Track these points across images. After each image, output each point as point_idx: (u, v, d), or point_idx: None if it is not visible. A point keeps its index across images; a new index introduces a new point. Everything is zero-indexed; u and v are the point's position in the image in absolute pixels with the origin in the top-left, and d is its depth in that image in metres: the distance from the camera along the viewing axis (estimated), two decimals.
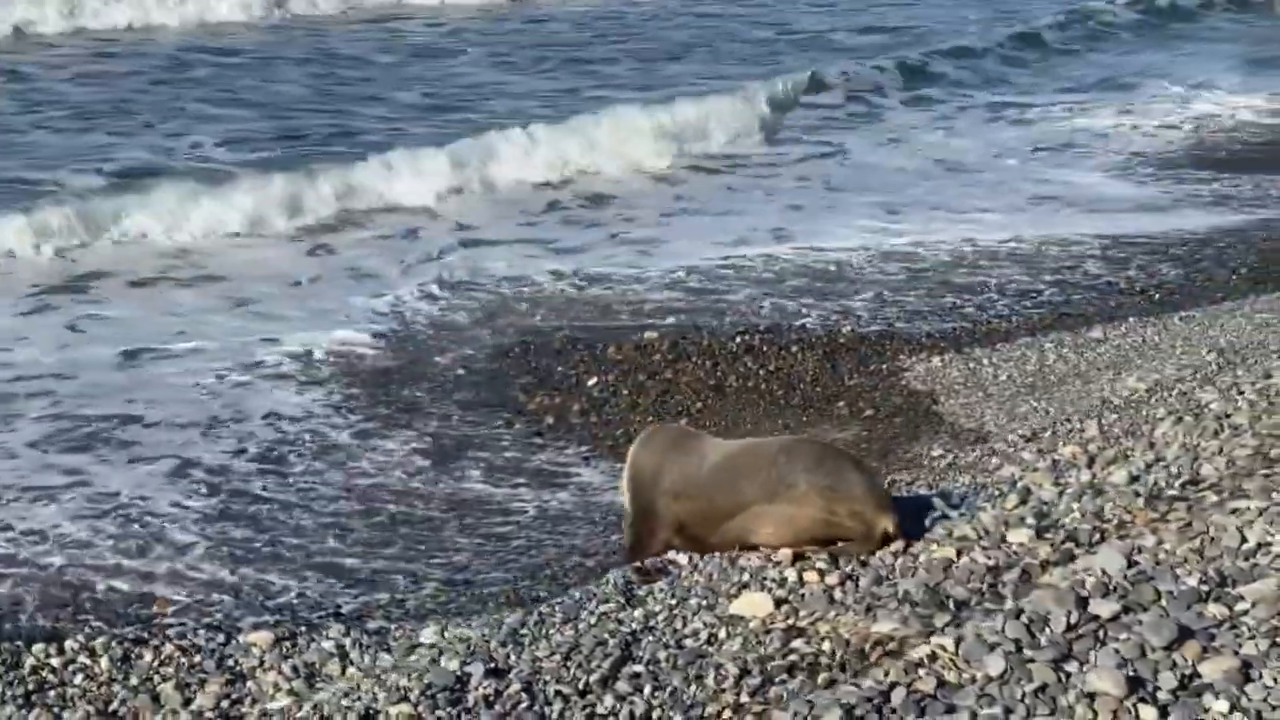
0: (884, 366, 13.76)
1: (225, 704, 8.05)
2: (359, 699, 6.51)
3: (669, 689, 5.89)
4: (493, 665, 6.33)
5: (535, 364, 14.82)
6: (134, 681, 8.51)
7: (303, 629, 9.31)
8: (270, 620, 10.00)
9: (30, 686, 8.53)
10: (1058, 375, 12.68)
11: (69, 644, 9.08)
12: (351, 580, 10.53)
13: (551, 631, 6.74)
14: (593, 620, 6.77)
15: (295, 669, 8.38)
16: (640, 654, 6.25)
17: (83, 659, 8.88)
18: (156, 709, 8.07)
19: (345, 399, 13.88)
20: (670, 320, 15.95)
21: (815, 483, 7.43)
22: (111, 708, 8.16)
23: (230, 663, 8.69)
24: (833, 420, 12.58)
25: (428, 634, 8.65)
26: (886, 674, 5.23)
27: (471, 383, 14.39)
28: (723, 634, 6.35)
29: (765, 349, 14.48)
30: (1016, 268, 17.55)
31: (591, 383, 13.94)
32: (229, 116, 25.63)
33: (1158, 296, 15.73)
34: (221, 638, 9.15)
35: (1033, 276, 17.00)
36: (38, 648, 9.03)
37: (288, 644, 8.97)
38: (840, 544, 7.35)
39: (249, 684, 8.34)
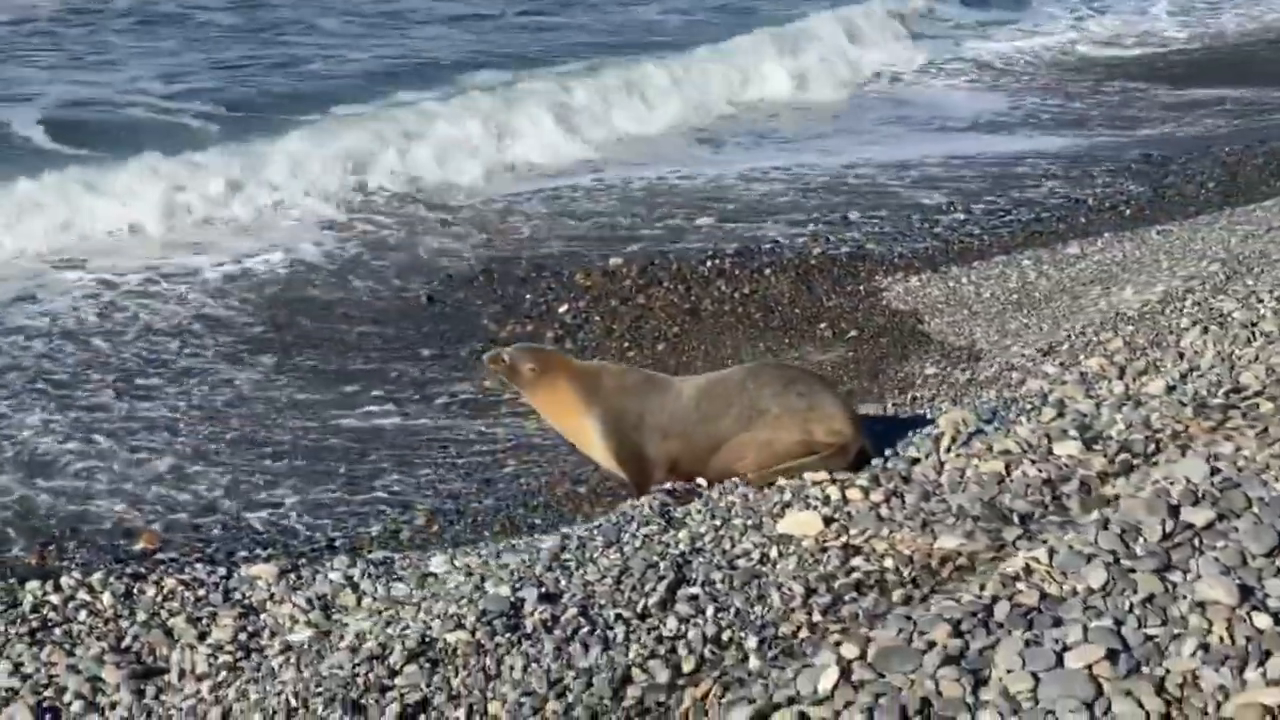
0: (861, 287, 13.65)
1: (243, 636, 7.88)
2: (407, 627, 6.34)
3: (732, 609, 5.76)
4: (544, 590, 6.18)
5: (502, 292, 14.64)
6: (141, 616, 8.31)
7: (303, 561, 9.15)
8: (263, 553, 9.82)
9: (34, 624, 8.32)
10: (1042, 292, 12.62)
11: (65, 581, 8.87)
12: (338, 513, 10.33)
13: (596, 555, 6.59)
14: (636, 543, 6.62)
15: (309, 601, 8.22)
16: (693, 575, 6.11)
17: (83, 595, 8.67)
18: (171, 643, 7.88)
19: (300, 325, 13.73)
20: (633, 247, 15.78)
21: (788, 405, 7.42)
22: (124, 643, 7.96)
23: (237, 596, 8.51)
24: (815, 342, 12.48)
25: (436, 563, 8.51)
26: (983, 587, 5.13)
27: (439, 313, 14.20)
28: (774, 553, 6.22)
29: (737, 272, 14.33)
30: (972, 186, 17.51)
31: (563, 310, 13.78)
32: (162, 50, 25.00)
33: (1128, 213, 15.70)
34: (222, 571, 8.97)
35: (999, 194, 16.92)
36: (32, 585, 8.82)
37: (293, 576, 8.81)
38: (814, 457, 7.31)
39: (264, 616, 8.17)
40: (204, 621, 8.13)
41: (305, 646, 7.12)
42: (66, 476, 10.91)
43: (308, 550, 9.80)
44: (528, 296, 14.33)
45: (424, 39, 26.11)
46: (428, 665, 5.69)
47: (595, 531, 6.89)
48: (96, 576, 8.83)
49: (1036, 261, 13.51)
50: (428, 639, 5.89)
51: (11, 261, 15.65)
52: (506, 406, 11.86)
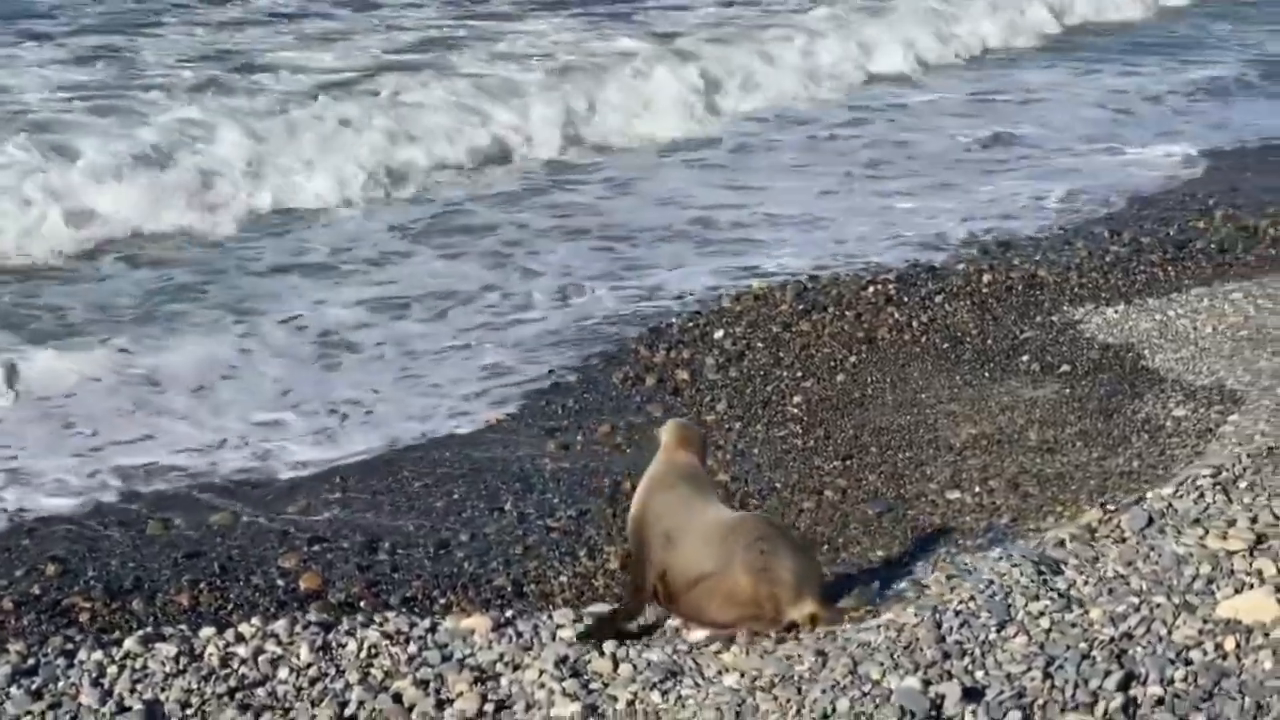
0: (1054, 319, 12.54)
1: (490, 708, 6.76)
2: (796, 716, 5.15)
3: None
4: (963, 685, 5.01)
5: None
6: (352, 677, 7.19)
7: (511, 614, 8.05)
8: (443, 599, 8.70)
9: (232, 684, 7.17)
10: (1278, 328, 11.55)
11: (245, 629, 7.76)
12: (514, 554, 9.21)
13: (993, 638, 5.43)
14: (1042, 625, 5.45)
15: (558, 666, 7.11)
16: (1142, 671, 4.96)
17: (272, 647, 7.55)
18: (406, 714, 6.74)
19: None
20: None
21: (747, 561, 7.24)
22: (348, 712, 6.82)
23: (457, 654, 7.40)
24: (1021, 376, 11.37)
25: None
26: None
27: (577, 337, 13.10)
28: (1230, 645, 5.08)
29: (905, 299, 13.22)
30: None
31: (719, 335, 12.65)
32: None
33: None
34: (426, 624, 7.85)
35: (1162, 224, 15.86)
36: (206, 632, 7.70)
37: (512, 631, 7.70)
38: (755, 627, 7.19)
39: (504, 682, 7.04)
40: (432, 686, 7.03)
41: None
42: (202, 508, 9.78)
43: (494, 598, 8.64)
44: (674, 320, 13.20)
45: None
46: None
47: (975, 607, 5.70)
48: (280, 625, 7.79)
49: (1247, 295, 12.41)
50: None
51: None
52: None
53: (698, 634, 7.38)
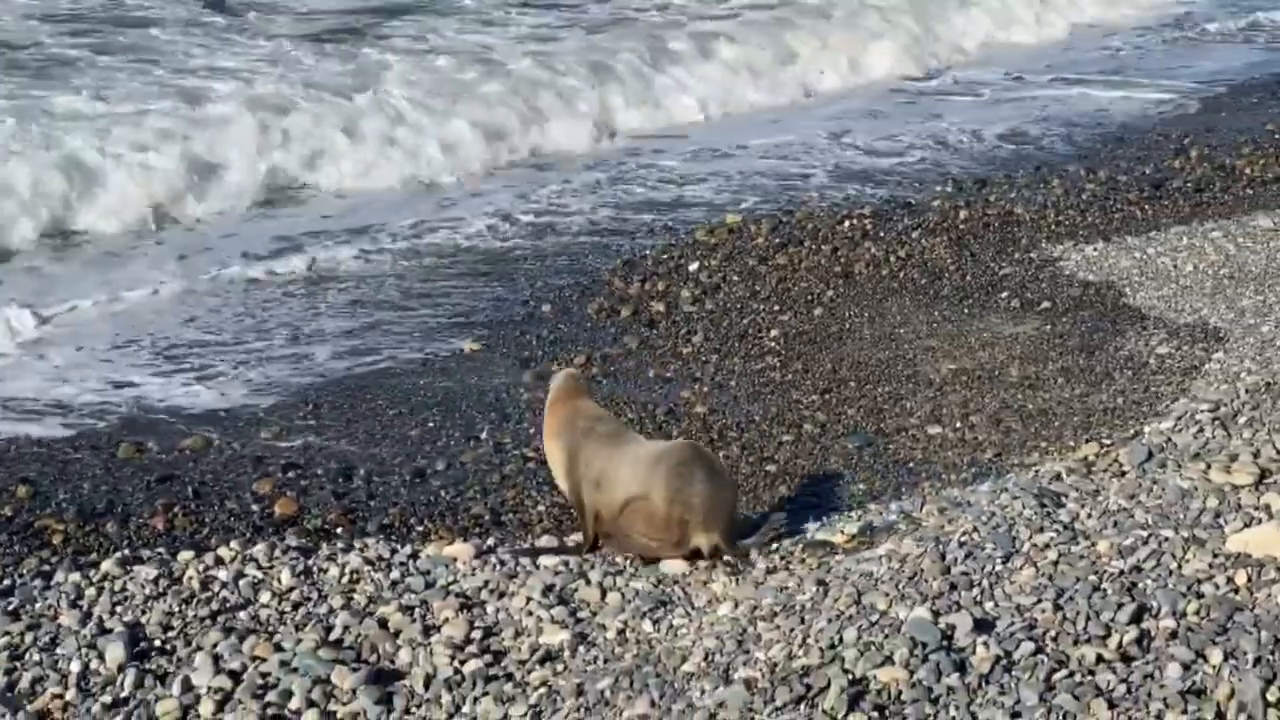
0: (1032, 255, 12.46)
1: (477, 634, 6.66)
2: (791, 653, 5.06)
3: (1248, 657, 4.53)
4: (973, 616, 4.92)
5: (615, 247, 13.46)
6: (335, 602, 7.07)
7: (491, 541, 7.94)
8: (420, 527, 8.54)
9: (215, 607, 7.05)
10: (1258, 267, 11.49)
11: (224, 553, 7.63)
12: (490, 482, 9.03)
13: (999, 569, 5.34)
14: (1049, 556, 5.36)
15: (545, 593, 7.02)
16: (1154, 604, 4.88)
17: (252, 571, 7.43)
18: (392, 638, 6.64)
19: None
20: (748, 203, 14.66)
21: (666, 484, 7.40)
22: (334, 636, 6.71)
23: (440, 580, 7.29)
24: (1001, 313, 11.27)
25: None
26: None
27: (553, 266, 12.95)
28: (1242, 579, 5.01)
29: (882, 234, 13.12)
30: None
31: (694, 267, 12.52)
32: None
33: None
34: (407, 550, 7.74)
35: (1137, 163, 15.80)
36: (185, 556, 7.57)
37: (494, 559, 7.59)
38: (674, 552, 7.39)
39: (490, 609, 6.95)
40: (418, 612, 6.92)
41: (603, 660, 5.87)
42: (174, 433, 9.60)
43: (472, 526, 8.49)
44: (648, 251, 13.06)
45: None
46: (875, 714, 4.39)
47: (979, 538, 5.61)
48: (259, 549, 7.65)
49: (1227, 234, 12.35)
50: (854, 677, 4.59)
51: None
52: (656, 370, 10.58)
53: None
